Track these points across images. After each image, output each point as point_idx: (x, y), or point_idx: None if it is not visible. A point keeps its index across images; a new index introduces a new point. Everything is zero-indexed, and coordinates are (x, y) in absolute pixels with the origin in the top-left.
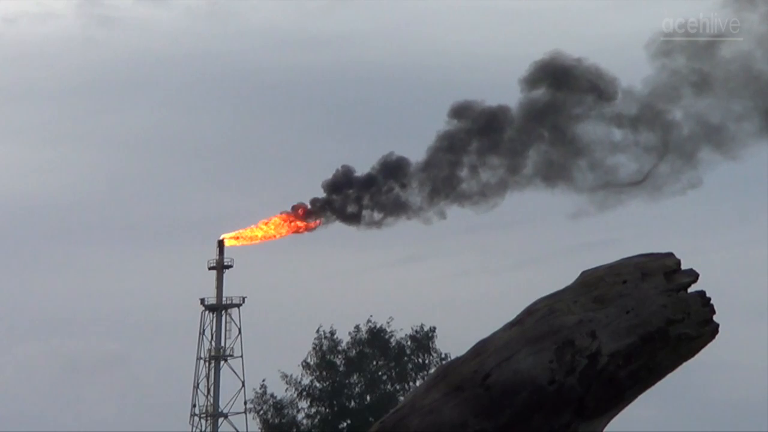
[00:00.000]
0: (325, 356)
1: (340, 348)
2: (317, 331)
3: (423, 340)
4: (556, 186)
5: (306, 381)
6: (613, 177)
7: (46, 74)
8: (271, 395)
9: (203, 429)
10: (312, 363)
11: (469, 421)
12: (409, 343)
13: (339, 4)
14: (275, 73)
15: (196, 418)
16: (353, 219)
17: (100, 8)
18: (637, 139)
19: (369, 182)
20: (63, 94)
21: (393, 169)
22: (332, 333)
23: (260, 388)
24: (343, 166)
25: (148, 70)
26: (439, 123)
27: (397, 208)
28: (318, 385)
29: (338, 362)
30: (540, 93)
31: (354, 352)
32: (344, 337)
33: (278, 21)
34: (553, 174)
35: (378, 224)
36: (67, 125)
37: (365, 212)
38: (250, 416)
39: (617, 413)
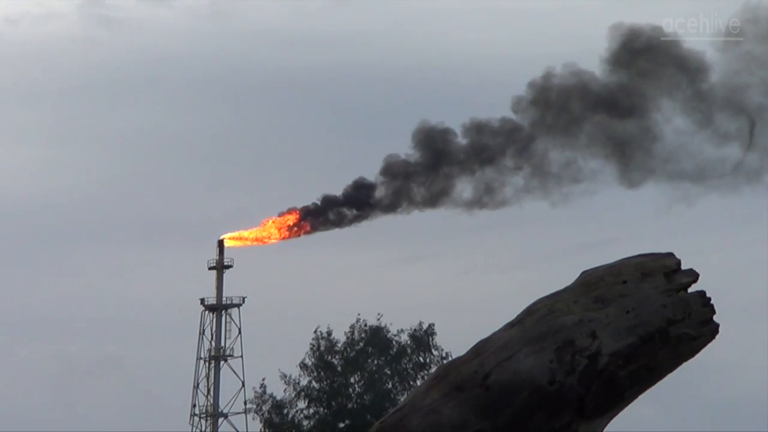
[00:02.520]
0: (323, 357)
1: (337, 348)
2: (315, 331)
3: (423, 338)
4: (641, 184)
5: (304, 382)
6: (702, 168)
7: (47, 74)
8: (270, 395)
9: (203, 429)
10: (309, 364)
11: (469, 421)
12: (409, 342)
13: (340, 4)
14: (276, 73)
15: (196, 418)
16: (440, 197)
17: (102, 8)
18: (720, 129)
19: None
20: (64, 94)
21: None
22: (329, 333)
23: (260, 388)
24: (429, 128)
25: (150, 70)
26: (440, 122)
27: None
28: (316, 385)
29: (336, 362)
30: (623, 75)
31: (352, 352)
32: (341, 337)
33: (280, 21)
34: (638, 169)
35: (470, 207)
36: (69, 125)
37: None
38: (250, 416)
39: (617, 413)
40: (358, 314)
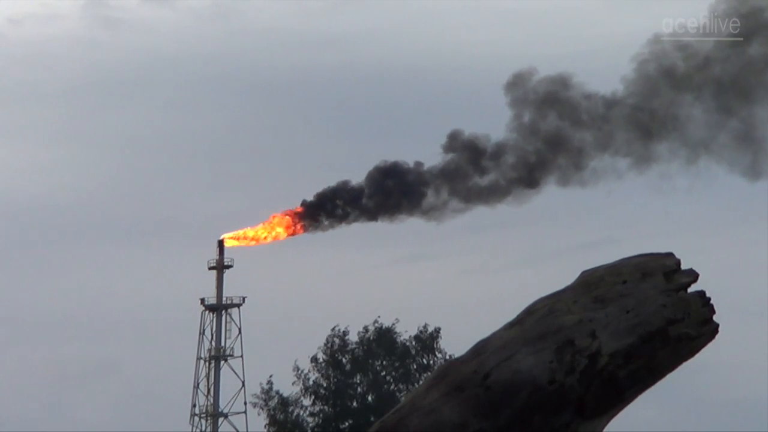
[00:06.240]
0: (335, 355)
1: (348, 348)
2: (332, 329)
3: (427, 340)
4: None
5: (313, 377)
6: None
7: (50, 75)
8: (277, 392)
9: (203, 429)
10: (321, 360)
11: (469, 421)
12: (413, 343)
13: (343, 3)
14: (279, 73)
15: (196, 418)
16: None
17: (105, 9)
18: None
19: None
20: (67, 94)
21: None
22: (344, 333)
23: (267, 384)
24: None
25: (152, 71)
26: (441, 123)
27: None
28: (323, 383)
29: (345, 361)
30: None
31: (361, 352)
32: (352, 337)
33: (282, 21)
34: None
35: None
36: (71, 126)
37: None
38: (251, 414)
39: (617, 413)
40: (378, 316)
